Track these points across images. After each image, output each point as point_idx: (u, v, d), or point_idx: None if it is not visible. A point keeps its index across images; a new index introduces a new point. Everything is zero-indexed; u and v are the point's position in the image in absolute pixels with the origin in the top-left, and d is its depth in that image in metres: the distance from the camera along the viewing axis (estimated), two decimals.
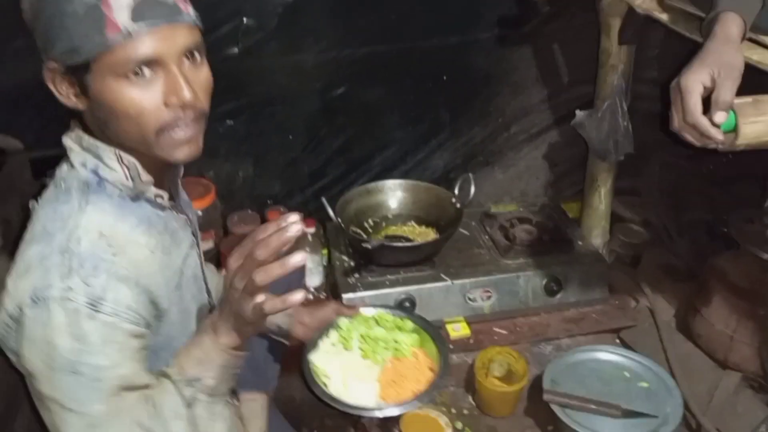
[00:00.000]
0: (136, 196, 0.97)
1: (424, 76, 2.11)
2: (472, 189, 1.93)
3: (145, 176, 0.97)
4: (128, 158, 0.95)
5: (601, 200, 2.11)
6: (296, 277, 1.42)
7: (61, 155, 0.98)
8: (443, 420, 1.63)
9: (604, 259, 2.06)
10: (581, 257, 1.97)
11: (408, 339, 1.27)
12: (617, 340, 1.91)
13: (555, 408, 1.58)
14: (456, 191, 1.98)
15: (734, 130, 1.04)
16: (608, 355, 1.76)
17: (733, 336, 1.72)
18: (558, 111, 2.25)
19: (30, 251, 0.90)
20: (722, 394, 1.66)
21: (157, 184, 1.00)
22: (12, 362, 0.92)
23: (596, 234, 2.16)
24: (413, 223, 2.06)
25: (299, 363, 1.25)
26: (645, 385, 1.67)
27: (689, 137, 1.06)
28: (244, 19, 1.86)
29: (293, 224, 0.85)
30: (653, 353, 1.78)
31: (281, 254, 0.85)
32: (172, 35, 0.88)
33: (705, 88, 1.03)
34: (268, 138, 2.07)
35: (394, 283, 1.84)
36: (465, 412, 1.74)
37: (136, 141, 0.93)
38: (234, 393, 1.22)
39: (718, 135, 1.03)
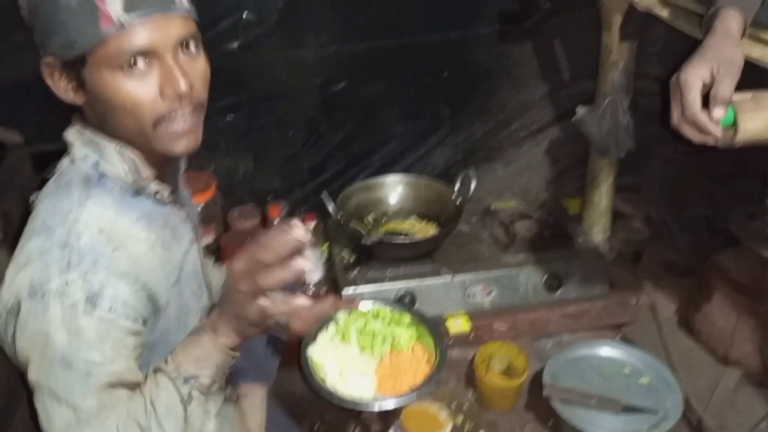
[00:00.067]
0: (137, 192, 0.97)
1: (425, 71, 2.11)
2: (473, 184, 1.93)
3: (146, 171, 0.97)
4: (129, 153, 0.95)
5: (602, 197, 2.11)
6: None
7: (62, 150, 0.99)
8: (444, 414, 1.63)
9: (605, 256, 2.05)
10: (582, 253, 1.97)
11: (406, 333, 1.27)
12: (618, 336, 1.91)
13: (555, 403, 1.59)
14: (457, 187, 1.98)
15: (733, 125, 1.03)
16: (609, 350, 1.77)
17: (733, 332, 1.72)
18: (559, 107, 2.25)
19: (30, 245, 0.90)
20: (723, 390, 1.67)
21: (159, 179, 1.00)
22: (10, 357, 0.92)
23: (597, 230, 2.16)
24: (414, 218, 2.06)
25: (299, 357, 1.25)
26: (645, 380, 1.68)
27: (688, 133, 1.05)
28: (244, 14, 1.86)
29: (298, 230, 0.87)
30: (654, 349, 1.78)
31: (287, 258, 0.87)
32: (166, 25, 0.88)
33: (704, 84, 1.03)
34: (268, 133, 2.07)
35: (394, 279, 1.84)
36: (465, 406, 1.75)
37: (134, 134, 0.92)
38: (233, 386, 1.23)
39: (716, 131, 1.02)
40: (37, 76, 0.92)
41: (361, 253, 1.93)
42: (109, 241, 0.90)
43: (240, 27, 1.88)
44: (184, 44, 0.91)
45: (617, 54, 1.88)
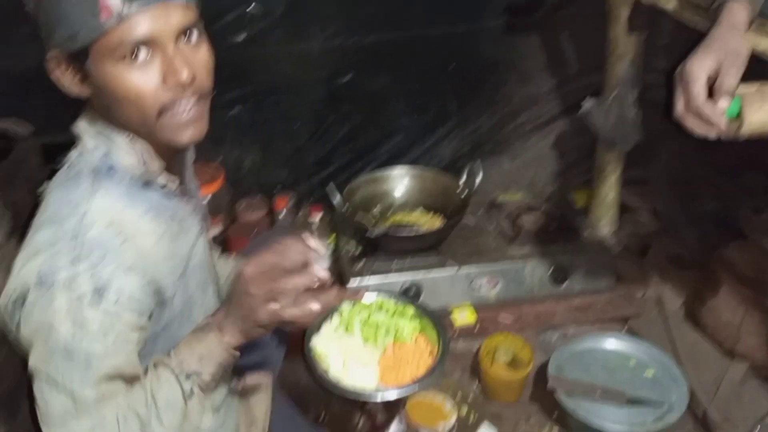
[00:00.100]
0: (146, 183, 0.97)
1: (432, 64, 2.11)
2: (479, 177, 1.93)
3: (154, 163, 0.98)
4: (138, 144, 0.96)
5: (609, 190, 2.11)
6: None
7: (71, 141, 0.99)
8: (448, 405, 1.64)
9: (611, 249, 2.05)
10: (588, 246, 1.97)
11: (409, 325, 1.28)
12: (624, 329, 1.91)
13: (560, 395, 1.59)
14: (463, 179, 1.98)
15: (738, 117, 1.03)
16: (614, 343, 1.77)
17: (740, 326, 1.71)
18: (566, 100, 2.24)
19: (39, 235, 0.91)
20: (729, 383, 1.66)
21: (167, 171, 1.01)
22: (13, 344, 0.93)
23: (604, 223, 2.15)
24: (420, 210, 2.06)
25: (302, 347, 1.26)
26: (650, 373, 1.68)
27: (691, 125, 1.05)
28: (250, 7, 1.87)
29: (314, 241, 0.91)
30: (660, 342, 1.78)
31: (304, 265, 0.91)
32: (166, 15, 0.88)
33: (709, 75, 1.03)
34: (274, 126, 2.08)
35: (399, 270, 1.85)
36: (470, 398, 1.75)
37: (140, 125, 0.93)
38: (239, 376, 1.24)
39: (721, 122, 1.02)
40: (45, 68, 0.93)
41: (366, 245, 1.93)
42: (117, 233, 0.90)
43: (245, 20, 1.88)
44: (185, 33, 0.91)
45: (624, 47, 1.87)
